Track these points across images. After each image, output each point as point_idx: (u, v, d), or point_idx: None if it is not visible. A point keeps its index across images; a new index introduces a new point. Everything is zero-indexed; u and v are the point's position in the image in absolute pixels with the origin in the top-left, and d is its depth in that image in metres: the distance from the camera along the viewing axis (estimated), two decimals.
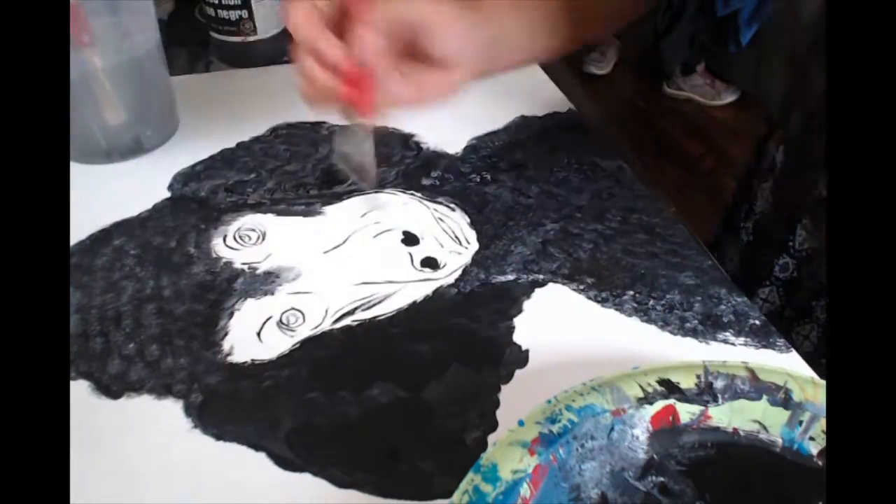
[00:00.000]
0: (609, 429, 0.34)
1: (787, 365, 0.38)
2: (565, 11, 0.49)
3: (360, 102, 0.41)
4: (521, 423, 0.33)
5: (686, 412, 0.35)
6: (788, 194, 0.56)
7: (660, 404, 0.35)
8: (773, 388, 0.35)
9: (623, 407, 0.34)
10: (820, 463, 0.34)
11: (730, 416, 0.35)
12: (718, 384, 0.35)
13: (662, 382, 0.35)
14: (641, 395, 0.35)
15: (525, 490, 0.31)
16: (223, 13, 0.70)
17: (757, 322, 0.44)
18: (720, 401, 0.35)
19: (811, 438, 0.35)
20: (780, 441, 0.35)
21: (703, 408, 0.35)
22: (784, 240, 0.55)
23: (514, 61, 0.49)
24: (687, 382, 0.35)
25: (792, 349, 0.42)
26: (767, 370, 0.36)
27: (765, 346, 0.42)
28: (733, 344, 0.43)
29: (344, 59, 0.39)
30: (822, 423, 0.35)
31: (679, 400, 0.35)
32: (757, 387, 0.35)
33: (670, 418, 0.35)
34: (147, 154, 0.58)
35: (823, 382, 0.36)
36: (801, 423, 0.35)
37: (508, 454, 0.32)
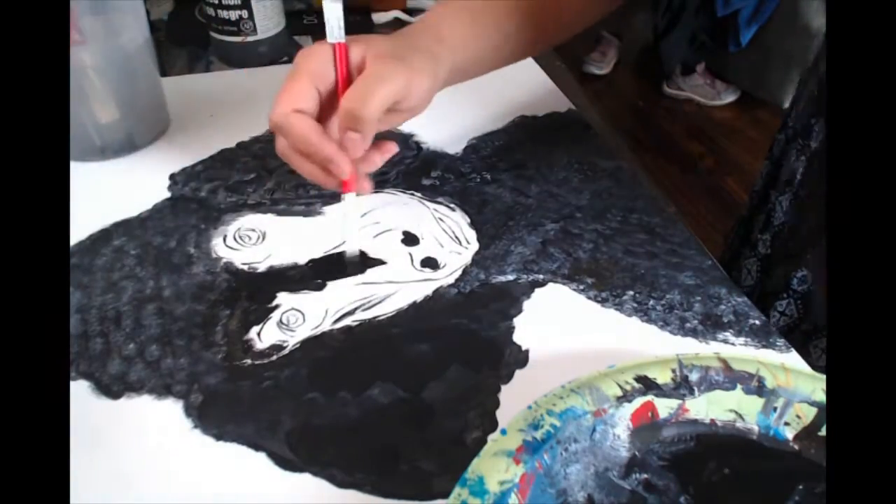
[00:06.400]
0: (591, 430, 0.34)
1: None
2: (525, 25, 0.52)
3: (348, 185, 0.45)
4: (503, 432, 0.33)
5: (665, 407, 0.35)
6: (809, 207, 0.55)
7: (638, 401, 0.35)
8: (746, 377, 0.36)
9: (603, 407, 0.35)
10: (796, 447, 0.35)
11: (707, 407, 0.36)
12: (693, 377, 0.36)
13: (639, 379, 0.36)
14: (620, 393, 0.35)
15: (514, 500, 0.31)
16: (223, 13, 0.70)
17: (757, 322, 0.44)
18: (696, 393, 0.36)
19: (786, 423, 0.35)
20: (756, 428, 0.36)
21: (680, 401, 0.36)
22: (803, 253, 0.54)
23: (480, 73, 0.53)
24: (663, 377, 0.36)
25: (792, 349, 0.42)
26: (739, 359, 0.37)
27: (765, 346, 0.42)
28: (733, 344, 0.43)
29: (346, 164, 0.42)
30: (795, 408, 0.35)
31: (657, 395, 0.35)
32: (731, 377, 0.36)
33: (649, 414, 0.35)
34: (144, 152, 0.58)
35: (794, 368, 0.36)
36: (775, 409, 0.36)
37: (494, 465, 0.32)
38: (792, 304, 0.55)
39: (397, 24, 0.82)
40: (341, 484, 0.35)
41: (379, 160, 0.45)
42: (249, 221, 0.51)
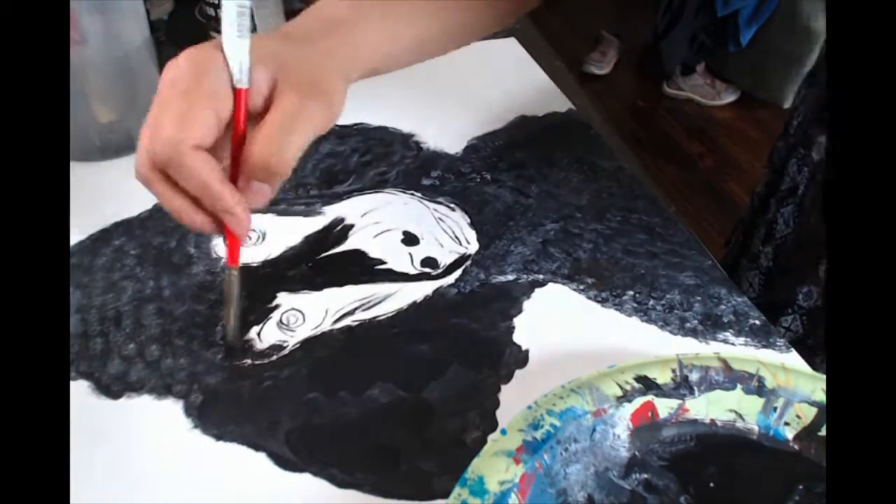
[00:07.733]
0: (591, 430, 0.34)
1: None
2: (436, 28, 0.46)
3: (234, 255, 0.39)
4: (503, 432, 0.33)
5: (665, 407, 0.35)
6: (813, 220, 0.54)
7: (639, 401, 0.35)
8: (746, 377, 0.36)
9: (603, 407, 0.35)
10: (796, 447, 0.35)
11: (707, 407, 0.36)
12: (693, 377, 0.36)
13: (640, 379, 0.36)
14: (620, 393, 0.35)
15: (513, 500, 0.31)
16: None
17: (757, 322, 0.44)
18: (696, 393, 0.36)
19: (786, 423, 0.36)
20: (756, 428, 0.36)
21: (680, 401, 0.36)
22: (808, 267, 0.53)
23: (397, 68, 0.46)
24: (663, 377, 0.36)
25: (792, 349, 0.42)
26: (739, 359, 0.37)
27: (765, 346, 0.42)
28: (733, 344, 0.43)
29: (246, 221, 0.36)
30: (795, 408, 0.35)
31: (657, 395, 0.35)
32: (731, 376, 0.36)
33: (650, 414, 0.35)
34: None
35: (794, 368, 0.36)
36: (775, 409, 0.36)
37: (494, 465, 0.32)
38: (797, 320, 0.54)
39: None
40: (341, 484, 0.35)
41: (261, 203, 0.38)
42: None
